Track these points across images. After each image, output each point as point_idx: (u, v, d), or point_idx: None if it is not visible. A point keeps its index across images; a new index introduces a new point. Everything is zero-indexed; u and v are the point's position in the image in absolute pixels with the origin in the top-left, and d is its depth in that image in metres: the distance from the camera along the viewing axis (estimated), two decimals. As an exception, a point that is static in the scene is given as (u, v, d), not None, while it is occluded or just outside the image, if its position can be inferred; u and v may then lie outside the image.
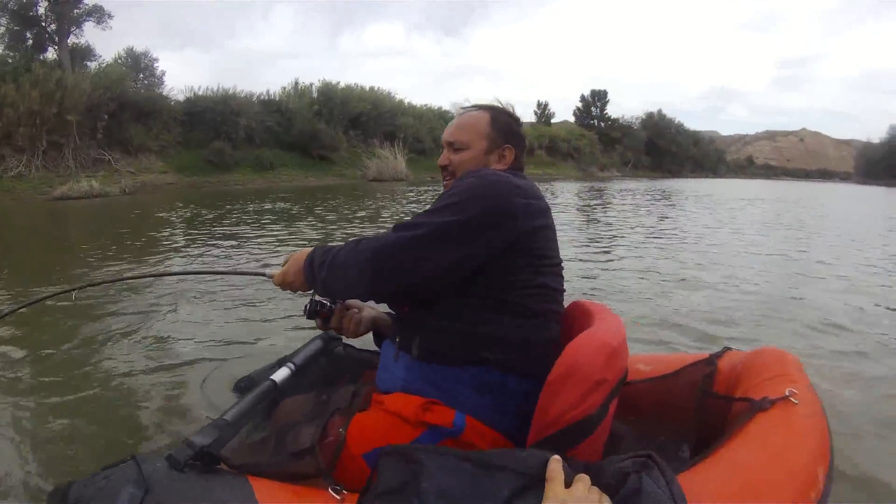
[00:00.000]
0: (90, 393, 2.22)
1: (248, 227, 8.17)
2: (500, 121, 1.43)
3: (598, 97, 51.02)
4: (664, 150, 53.38)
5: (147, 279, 4.16)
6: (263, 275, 1.50)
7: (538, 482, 0.92)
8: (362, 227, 8.51)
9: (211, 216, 10.07)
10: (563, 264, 1.38)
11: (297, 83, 27.69)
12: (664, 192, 20.34)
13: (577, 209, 12.47)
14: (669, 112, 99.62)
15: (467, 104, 1.50)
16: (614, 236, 7.55)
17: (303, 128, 24.51)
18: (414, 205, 12.56)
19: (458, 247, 1.18)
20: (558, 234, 1.39)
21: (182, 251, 6.24)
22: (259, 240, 6.96)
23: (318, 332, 1.64)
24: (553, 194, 17.38)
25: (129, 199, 15.81)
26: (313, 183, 22.50)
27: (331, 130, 25.39)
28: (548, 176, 34.78)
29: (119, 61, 24.00)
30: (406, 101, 31.16)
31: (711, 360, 1.53)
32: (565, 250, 5.94)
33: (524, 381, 1.23)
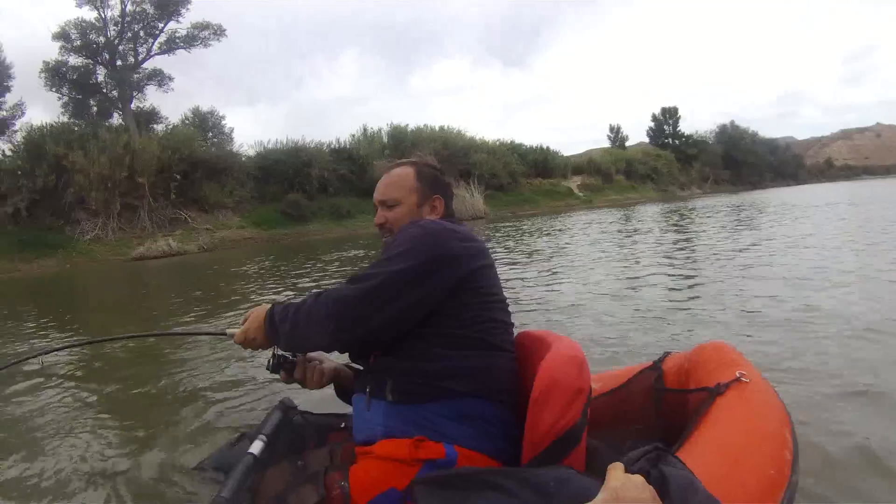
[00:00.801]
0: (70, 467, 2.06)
1: (318, 277, 7.79)
2: (426, 173, 1.51)
3: (670, 114, 48.91)
4: (742, 161, 50.98)
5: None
6: (224, 334, 1.53)
7: (577, 474, 1.02)
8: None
9: (286, 268, 9.74)
10: (507, 300, 1.43)
11: (365, 129, 26.93)
12: (738, 206, 17.81)
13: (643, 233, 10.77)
14: (742, 122, 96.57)
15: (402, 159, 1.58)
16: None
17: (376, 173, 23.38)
18: (492, 243, 10.80)
19: (411, 291, 1.26)
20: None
21: (244, 304, 5.97)
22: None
23: (276, 403, 1.66)
24: (628, 219, 15.60)
25: (207, 256, 15.63)
26: (393, 227, 21.21)
27: (404, 173, 24.21)
28: (629, 200, 32.53)
29: (186, 122, 23.88)
30: (478, 137, 29.80)
31: (656, 366, 1.59)
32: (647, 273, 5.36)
33: (497, 406, 1.29)
